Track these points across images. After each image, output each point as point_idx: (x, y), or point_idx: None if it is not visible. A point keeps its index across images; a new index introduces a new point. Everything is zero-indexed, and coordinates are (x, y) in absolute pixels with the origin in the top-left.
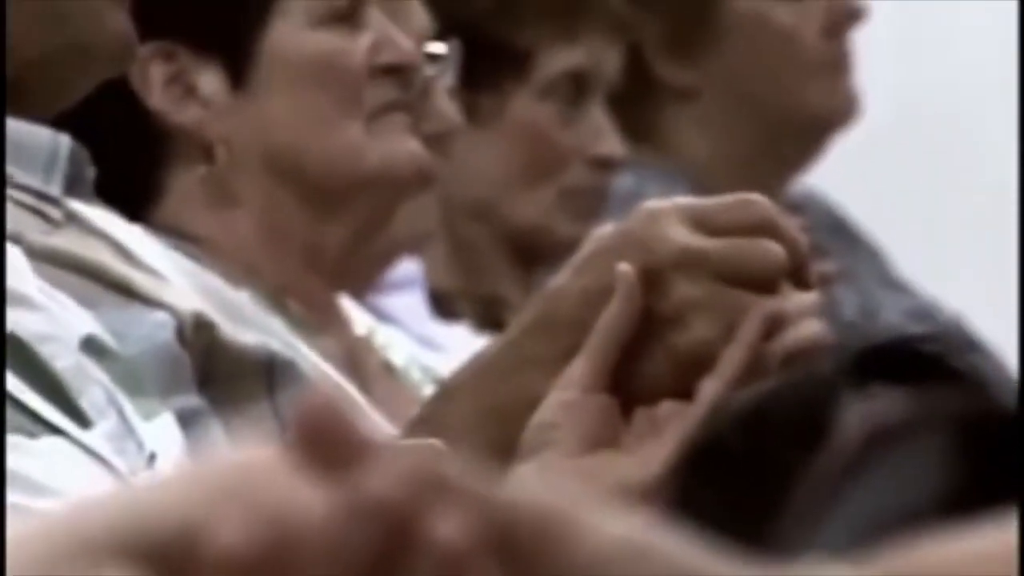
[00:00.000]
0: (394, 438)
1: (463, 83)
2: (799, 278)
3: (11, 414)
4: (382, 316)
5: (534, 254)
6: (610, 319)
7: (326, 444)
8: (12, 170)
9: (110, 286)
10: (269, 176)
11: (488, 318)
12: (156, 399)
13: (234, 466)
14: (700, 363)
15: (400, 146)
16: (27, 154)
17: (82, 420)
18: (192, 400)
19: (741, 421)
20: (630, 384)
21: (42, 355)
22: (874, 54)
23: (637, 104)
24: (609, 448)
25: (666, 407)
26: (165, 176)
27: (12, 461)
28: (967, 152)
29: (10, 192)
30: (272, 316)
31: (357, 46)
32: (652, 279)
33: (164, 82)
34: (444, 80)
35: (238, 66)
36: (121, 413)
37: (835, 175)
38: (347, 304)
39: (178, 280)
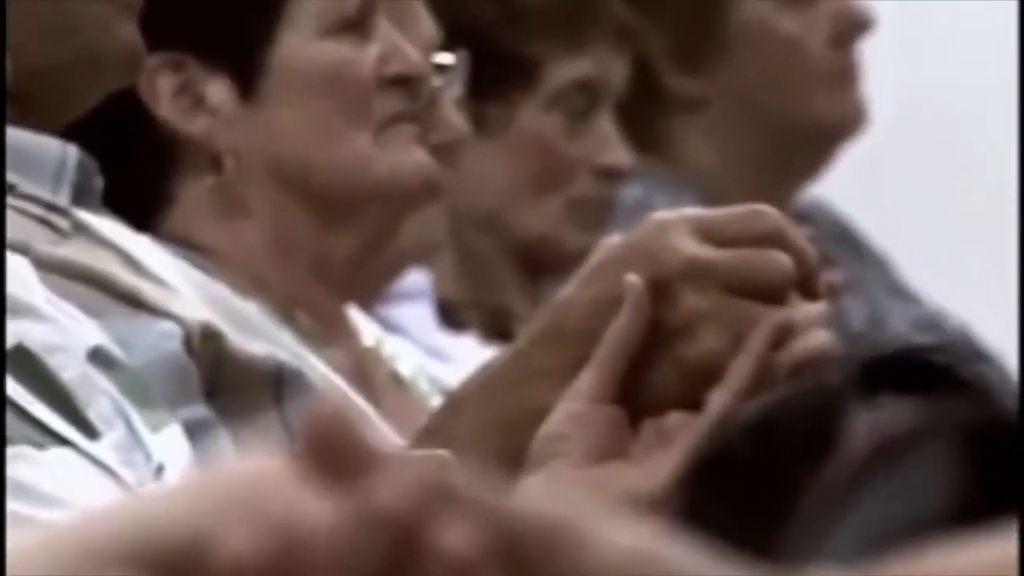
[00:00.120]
0: (402, 449)
1: (470, 93)
2: (807, 289)
3: (19, 425)
4: (390, 327)
5: (542, 264)
6: (618, 330)
7: (334, 454)
8: (20, 180)
9: (118, 296)
10: (277, 186)
11: (496, 328)
12: (164, 410)
13: (242, 476)
14: (708, 374)
15: (408, 157)
16: (35, 164)
17: (90, 431)
18: (200, 411)
19: (749, 431)
20: (638, 395)
21: (50, 366)
22: (874, 55)
23: (644, 114)
24: (617, 459)
25: (674, 418)
26: (173, 186)
27: (20, 472)
28: (967, 152)
29: (18, 202)
30: (280, 327)
31: (365, 57)
32: (660, 290)
33: (173, 93)
34: (452, 91)
35: (246, 77)
36: (129, 424)
37: (833, 176)
38: (355, 315)
39: (186, 290)
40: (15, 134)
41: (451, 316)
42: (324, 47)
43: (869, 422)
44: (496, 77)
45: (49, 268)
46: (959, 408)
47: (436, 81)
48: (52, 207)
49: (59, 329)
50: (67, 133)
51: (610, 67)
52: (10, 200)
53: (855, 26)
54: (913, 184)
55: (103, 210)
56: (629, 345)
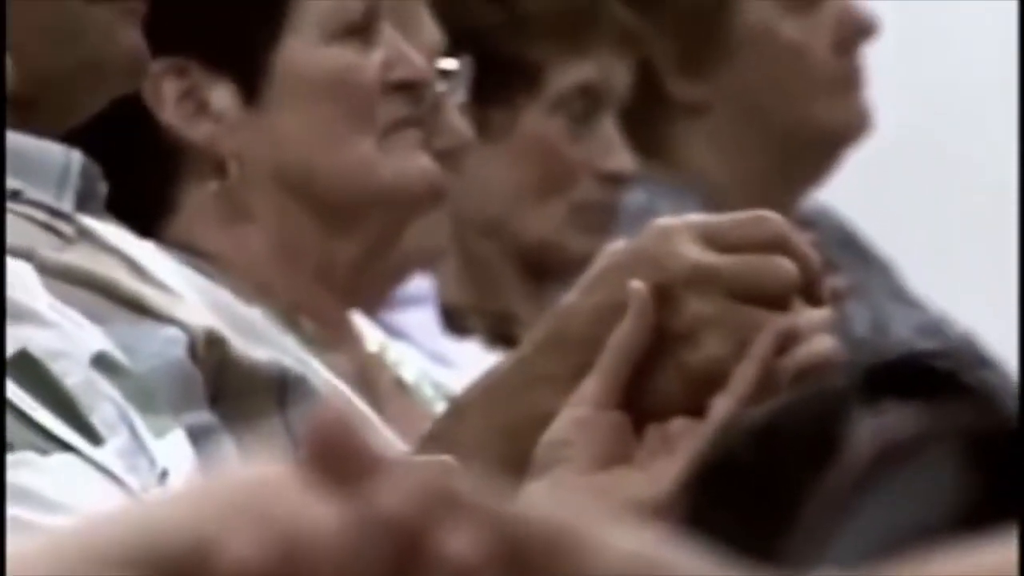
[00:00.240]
0: (405, 454)
1: (474, 98)
2: (811, 294)
3: (23, 431)
4: (394, 332)
5: (545, 269)
6: (622, 336)
7: (338, 459)
8: (24, 186)
9: (122, 302)
10: (281, 192)
11: (500, 334)
12: (168, 415)
13: (245, 481)
14: (712, 380)
15: (412, 162)
16: (39, 170)
17: (93, 437)
18: (204, 416)
19: (753, 437)
20: (642, 401)
21: (54, 372)
22: (874, 55)
23: (648, 119)
24: (621, 465)
25: (678, 424)
26: (177, 192)
27: (23, 478)
28: (967, 152)
29: (22, 208)
30: (284, 332)
31: (370, 62)
32: (664, 296)
33: (176, 98)
34: (455, 96)
35: (250, 82)
36: (132, 429)
37: (837, 181)
38: (359, 320)
39: (190, 296)
40: (19, 139)
41: (455, 321)
42: (328, 52)
43: (872, 428)
44: (499, 82)
45: (53, 274)
46: (962, 414)
47: (440, 86)
48: (56, 213)
49: (63, 335)
50: (71, 138)
51: (613, 71)
52: (14, 206)
53: (858, 31)
54: (912, 184)
55: (107, 216)
56: (633, 351)
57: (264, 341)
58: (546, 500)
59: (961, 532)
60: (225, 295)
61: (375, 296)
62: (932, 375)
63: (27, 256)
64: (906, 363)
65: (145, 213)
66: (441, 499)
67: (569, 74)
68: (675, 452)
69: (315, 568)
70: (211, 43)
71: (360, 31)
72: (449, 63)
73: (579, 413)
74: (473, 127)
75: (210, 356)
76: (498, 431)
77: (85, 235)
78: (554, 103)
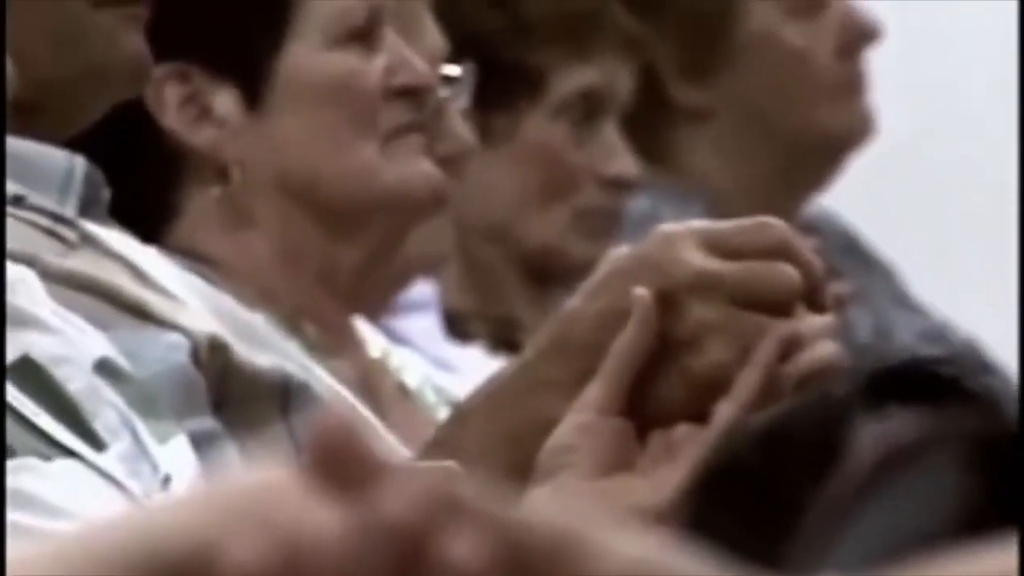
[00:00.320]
0: (408, 460)
1: (477, 104)
2: (814, 300)
3: (25, 436)
4: (397, 338)
5: (548, 275)
6: (626, 342)
7: (340, 465)
8: (27, 191)
9: (125, 308)
10: (284, 197)
11: (503, 339)
12: (171, 421)
13: (248, 487)
14: (715, 386)
15: (414, 168)
16: (42, 175)
17: (96, 443)
18: (207, 422)
19: (756, 443)
20: (645, 407)
21: (56, 377)
22: (875, 59)
23: (651, 125)
24: (624, 471)
25: (681, 430)
26: (180, 197)
27: (26, 483)
28: (967, 155)
29: (25, 213)
30: (287, 338)
31: (372, 68)
32: (667, 302)
33: (179, 103)
34: (458, 102)
35: (253, 87)
36: (135, 435)
37: (840, 187)
38: (362, 326)
39: (193, 302)
40: (22, 145)
41: (458, 327)
42: (331, 58)
43: (875, 433)
44: (502, 87)
45: (56, 279)
46: (965, 419)
47: (443, 92)
48: (59, 218)
49: (66, 341)
50: (74, 144)
51: (616, 77)
52: (17, 211)
53: (861, 36)
54: (912, 184)
55: (110, 221)
56: (636, 357)
57: (267, 347)
58: (549, 506)
59: (963, 537)
60: (228, 301)
61: (378, 302)
62: (935, 381)
63: (30, 262)
64: (909, 369)
65: (148, 218)
66: (444, 505)
67: (572, 79)
68: (678, 458)
69: (317, 573)
70: (214, 48)
71: (363, 37)
72: (452, 69)
73: (582, 419)
74: (476, 133)
75: (213, 362)
76: (501, 437)
77: (88, 241)
78: (557, 108)
